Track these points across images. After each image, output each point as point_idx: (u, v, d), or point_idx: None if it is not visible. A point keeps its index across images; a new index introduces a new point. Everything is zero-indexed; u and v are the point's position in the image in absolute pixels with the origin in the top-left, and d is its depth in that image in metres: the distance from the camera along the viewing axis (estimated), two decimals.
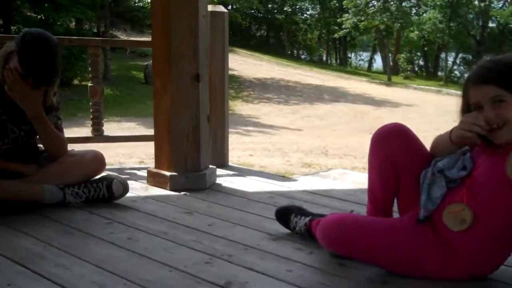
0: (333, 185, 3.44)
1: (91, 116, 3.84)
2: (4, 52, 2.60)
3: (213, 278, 1.93)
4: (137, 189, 3.16)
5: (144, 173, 3.42)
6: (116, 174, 3.09)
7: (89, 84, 3.79)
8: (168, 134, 3.20)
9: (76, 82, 14.83)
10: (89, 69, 3.80)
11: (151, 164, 3.59)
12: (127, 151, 6.55)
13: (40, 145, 2.88)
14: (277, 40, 38.18)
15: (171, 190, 3.14)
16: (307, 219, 2.33)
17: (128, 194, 2.90)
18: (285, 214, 2.45)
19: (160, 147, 3.26)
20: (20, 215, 2.58)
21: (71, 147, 2.97)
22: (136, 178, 3.44)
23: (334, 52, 38.72)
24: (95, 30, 20.25)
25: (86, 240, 2.32)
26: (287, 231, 2.42)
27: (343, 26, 29.89)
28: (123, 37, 22.01)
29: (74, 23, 18.04)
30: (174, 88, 3.16)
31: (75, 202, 2.75)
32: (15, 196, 2.63)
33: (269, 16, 36.11)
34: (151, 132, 3.46)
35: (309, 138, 10.40)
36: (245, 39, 34.23)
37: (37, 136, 2.82)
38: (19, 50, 2.53)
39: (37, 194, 2.68)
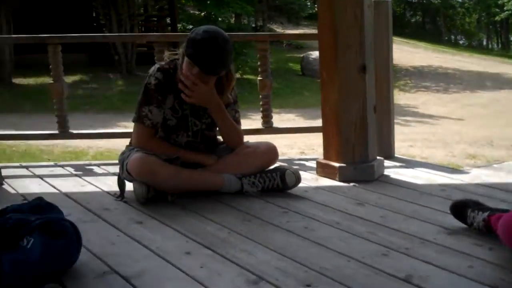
0: (509, 179, 3.26)
1: (261, 109, 3.99)
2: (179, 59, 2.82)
3: (392, 270, 1.94)
4: (308, 179, 3.25)
5: (312, 164, 3.50)
6: (287, 165, 3.20)
7: (259, 78, 3.94)
8: (336, 126, 3.25)
9: (237, 75, 15.46)
10: (258, 63, 3.94)
11: (311, 154, 3.66)
12: (288, 142, 6.72)
13: (219, 137, 3.07)
14: (433, 26, 36.66)
15: (339, 181, 3.18)
16: (485, 214, 2.25)
17: (300, 184, 2.99)
18: (461, 209, 2.38)
19: (328, 139, 3.32)
20: (204, 203, 2.78)
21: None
22: (305, 168, 3.53)
23: (495, 36, 36.31)
24: (253, 25, 20.90)
25: (265, 228, 2.44)
26: (463, 225, 2.36)
27: (505, 8, 27.91)
28: (279, 30, 22.48)
29: (233, 19, 18.76)
30: (341, 80, 3.20)
31: (252, 192, 2.89)
32: (199, 185, 2.84)
33: (424, 1, 34.77)
34: (310, 123, 3.52)
35: (472, 127, 9.90)
36: (400, 26, 33.28)
37: (217, 128, 3.01)
38: (191, 40, 2.71)
39: (217, 183, 2.86)
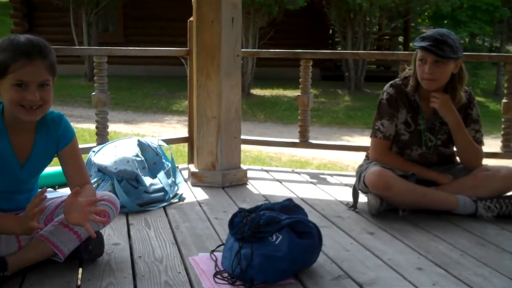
0: None
1: (502, 132, 3.82)
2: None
3: None
4: None
5: None
6: None
7: (504, 100, 3.76)
8: None
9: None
10: (505, 85, 3.78)
11: None
12: None
13: (457, 157, 3.04)
14: None
15: None
16: None
17: None
18: None
19: None
20: (435, 222, 2.78)
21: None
22: None
23: None
24: (488, 45, 19.77)
25: (500, 255, 2.36)
26: None
27: None
28: None
29: (467, 38, 17.97)
30: None
31: (487, 216, 2.80)
32: (432, 203, 2.84)
33: None
34: None
35: None
36: None
37: (453, 147, 2.99)
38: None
39: (451, 204, 2.83)
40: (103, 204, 2.17)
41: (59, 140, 2.17)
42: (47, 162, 2.21)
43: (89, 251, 2.15)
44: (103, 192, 2.32)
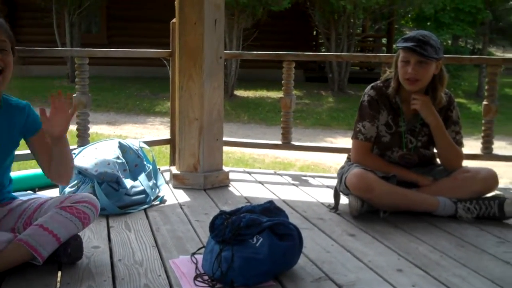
0: None
1: (482, 134, 3.87)
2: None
3: None
4: None
5: None
6: (502, 193, 3.06)
7: (484, 102, 3.80)
8: None
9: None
10: (486, 87, 3.82)
11: None
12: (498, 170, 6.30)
13: (437, 159, 3.06)
14: None
15: None
16: None
17: None
18: None
19: None
20: (415, 223, 2.79)
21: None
22: None
23: None
24: (470, 47, 19.95)
25: (480, 255, 2.38)
26: None
27: None
28: (499, 53, 21.07)
29: (450, 40, 18.13)
30: None
31: (466, 217, 2.83)
32: (413, 205, 2.86)
33: None
34: None
35: None
36: None
37: (434, 148, 3.02)
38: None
39: (432, 205, 2.85)
40: (83, 205, 2.15)
41: (26, 128, 2.21)
42: (10, 147, 2.21)
43: (68, 254, 2.13)
44: (83, 194, 2.30)
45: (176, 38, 3.59)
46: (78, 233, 2.18)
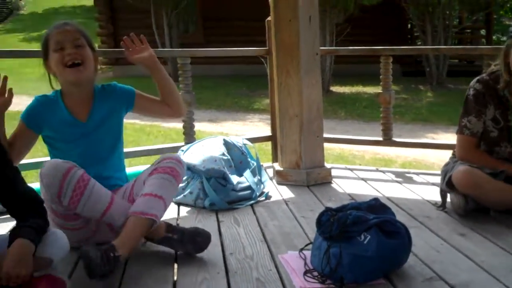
0: None
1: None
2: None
3: None
4: None
5: None
6: None
7: None
8: None
9: None
10: None
11: None
12: None
13: None
14: None
15: None
16: None
17: None
18: None
19: None
20: None
21: None
22: None
23: None
24: None
25: None
26: None
27: None
28: None
29: None
30: None
31: None
32: None
33: None
34: None
35: None
36: None
37: None
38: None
39: None
40: (165, 162, 2.30)
41: (124, 100, 2.54)
42: (115, 127, 2.52)
43: (197, 242, 2.24)
44: (165, 154, 2.41)
45: (272, 36, 3.64)
46: (208, 232, 2.30)
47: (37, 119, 2.38)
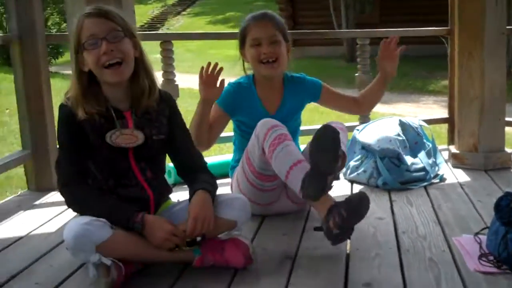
0: None
1: None
2: None
3: None
4: None
5: None
6: None
7: None
8: None
9: None
10: None
11: None
12: None
13: None
14: None
15: None
16: None
17: None
18: None
19: None
20: None
21: None
22: None
23: None
24: None
25: None
26: None
27: None
28: None
29: None
30: None
31: None
32: None
33: None
34: None
35: None
36: None
37: None
38: None
39: None
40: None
41: (312, 92, 2.69)
42: (296, 114, 2.68)
43: (342, 216, 1.99)
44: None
45: (456, 15, 3.53)
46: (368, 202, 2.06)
47: (232, 104, 2.58)
